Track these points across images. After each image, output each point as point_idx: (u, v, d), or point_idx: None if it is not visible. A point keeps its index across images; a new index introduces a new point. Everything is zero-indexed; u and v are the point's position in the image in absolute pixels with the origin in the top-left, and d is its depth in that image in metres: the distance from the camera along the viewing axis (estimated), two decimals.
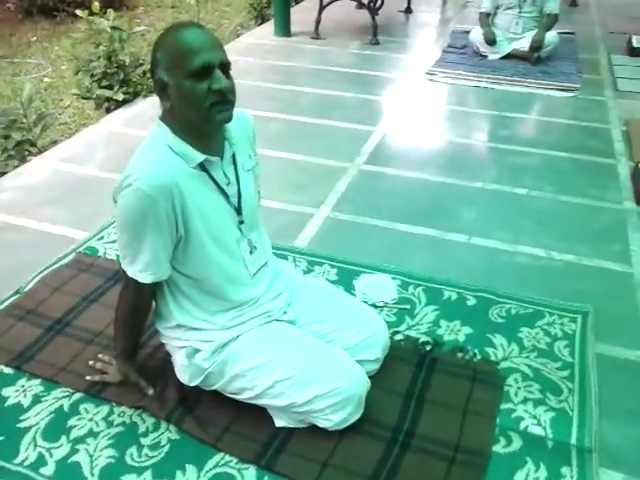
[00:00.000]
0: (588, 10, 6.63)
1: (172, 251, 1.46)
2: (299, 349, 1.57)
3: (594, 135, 3.49)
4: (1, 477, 1.48)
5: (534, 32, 4.65)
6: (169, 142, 1.42)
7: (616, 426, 1.64)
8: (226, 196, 1.51)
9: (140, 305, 1.56)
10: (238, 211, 1.54)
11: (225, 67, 1.38)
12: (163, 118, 1.46)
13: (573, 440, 1.58)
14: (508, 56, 4.73)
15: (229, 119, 1.43)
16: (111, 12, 3.86)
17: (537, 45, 4.59)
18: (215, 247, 1.50)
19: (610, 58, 4.82)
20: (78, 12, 3.87)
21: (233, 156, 1.54)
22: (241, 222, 1.56)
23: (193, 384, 1.63)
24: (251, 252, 1.60)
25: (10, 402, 1.68)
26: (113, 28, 3.78)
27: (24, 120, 3.39)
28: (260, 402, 1.59)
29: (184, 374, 1.63)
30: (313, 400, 1.52)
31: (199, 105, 1.35)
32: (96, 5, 3.86)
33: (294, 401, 1.53)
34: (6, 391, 1.71)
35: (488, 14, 4.84)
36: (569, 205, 2.74)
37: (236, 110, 1.48)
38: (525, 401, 1.70)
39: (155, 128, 1.46)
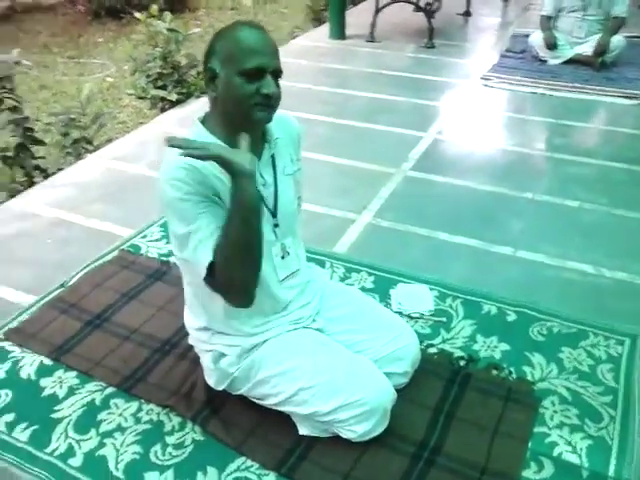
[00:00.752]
0: None
1: None
2: (325, 357, 1.55)
3: None
4: (32, 465, 1.52)
5: (598, 36, 4.46)
6: (201, 140, 1.40)
7: None
8: (261, 197, 1.49)
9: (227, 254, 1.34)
10: (273, 214, 1.53)
11: (277, 74, 1.39)
12: (203, 119, 1.47)
13: (611, 472, 1.49)
14: (570, 61, 4.56)
15: (268, 121, 1.43)
16: (168, 15, 3.96)
17: (601, 50, 4.40)
18: None
19: None
20: (137, 14, 3.98)
21: (272, 158, 1.53)
22: (276, 225, 1.54)
23: (220, 388, 1.64)
24: (283, 257, 1.57)
25: (47, 392, 1.74)
26: (169, 30, 3.87)
27: (81, 119, 3.52)
28: (284, 409, 1.58)
29: (210, 378, 1.65)
30: (337, 410, 1.50)
31: (243, 103, 1.36)
32: (154, 8, 3.97)
33: (317, 410, 1.51)
34: (44, 381, 1.77)
35: (550, 17, 4.67)
36: (623, 219, 2.61)
37: (283, 113, 1.49)
38: (561, 426, 1.62)
39: (191, 128, 1.47)
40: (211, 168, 1.37)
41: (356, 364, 1.56)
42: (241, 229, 1.33)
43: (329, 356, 1.56)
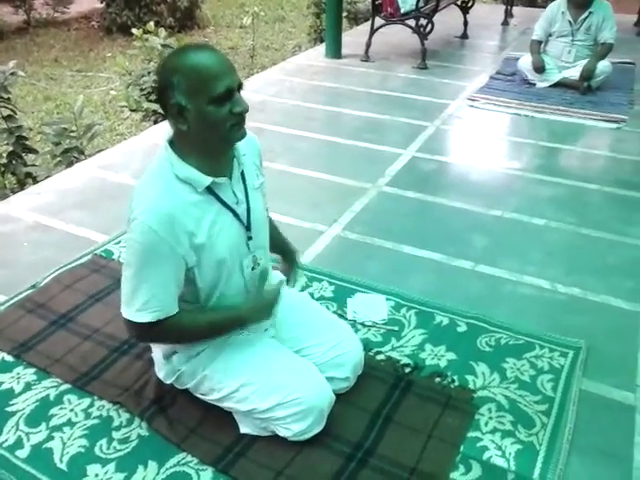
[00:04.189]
0: None
1: (181, 283, 1.49)
2: (267, 357, 1.62)
3: (631, 168, 3.37)
4: None
5: (586, 61, 4.54)
6: (175, 170, 1.44)
7: (586, 465, 1.58)
8: (235, 214, 1.55)
9: (178, 335, 1.56)
10: (247, 227, 1.59)
11: (241, 87, 1.44)
12: (172, 140, 1.49)
13: (535, 475, 1.54)
14: (557, 84, 4.64)
15: (244, 136, 1.48)
16: (162, 31, 4.09)
17: (587, 74, 4.48)
18: (221, 265, 1.53)
19: None
20: (134, 31, 4.12)
21: (242, 174, 1.59)
22: (249, 238, 1.60)
23: (168, 382, 1.71)
24: (253, 268, 1.63)
25: (4, 387, 1.81)
26: (163, 46, 4.00)
27: (73, 129, 3.64)
28: (225, 405, 1.64)
29: (160, 371, 1.72)
30: (274, 408, 1.56)
31: (220, 127, 1.40)
32: (151, 25, 4.12)
33: (256, 407, 1.57)
34: (2, 377, 1.84)
35: (540, 41, 4.77)
36: (588, 238, 2.66)
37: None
38: (494, 431, 1.67)
39: (162, 154, 1.48)
40: (188, 209, 1.44)
41: (297, 366, 1.63)
42: (226, 331, 1.61)
43: (272, 356, 1.63)
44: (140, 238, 1.42)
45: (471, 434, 1.66)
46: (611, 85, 4.61)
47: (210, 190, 1.49)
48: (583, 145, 3.75)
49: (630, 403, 1.79)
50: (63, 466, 1.56)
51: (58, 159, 3.60)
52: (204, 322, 1.57)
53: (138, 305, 1.46)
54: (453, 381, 1.84)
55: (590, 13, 4.53)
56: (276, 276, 1.83)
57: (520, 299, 2.25)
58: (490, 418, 1.71)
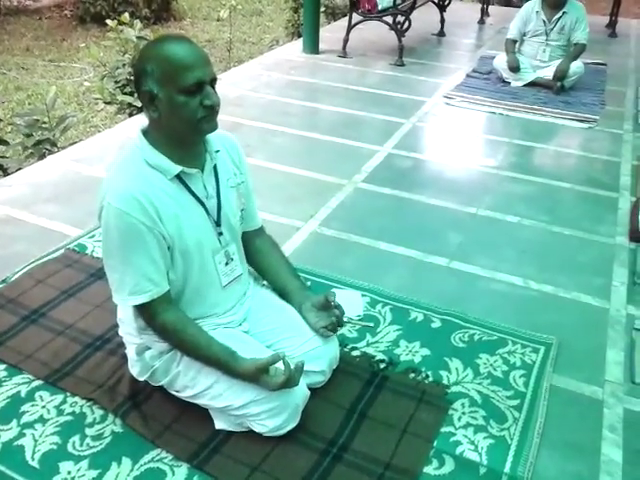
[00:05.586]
0: (627, 42, 6.52)
1: (167, 260, 1.50)
2: (241, 353, 1.61)
3: (602, 168, 3.44)
4: None
5: (560, 61, 4.61)
6: (145, 156, 1.48)
7: (555, 459, 1.62)
8: (205, 208, 1.57)
9: (172, 326, 1.52)
10: (217, 223, 1.60)
11: (214, 82, 1.46)
12: (146, 129, 1.52)
13: (507, 469, 1.57)
14: (532, 84, 4.70)
15: (215, 128, 1.50)
16: (137, 23, 4.04)
17: (561, 74, 4.55)
18: (189, 257, 1.55)
19: (638, 91, 4.73)
20: (108, 22, 4.06)
21: (215, 169, 1.60)
22: (220, 234, 1.62)
23: (141, 379, 1.70)
24: (227, 263, 1.65)
25: None
26: (139, 38, 3.95)
27: (46, 120, 3.57)
28: (200, 402, 1.63)
29: (134, 368, 1.71)
30: (249, 404, 1.56)
31: (190, 119, 1.42)
32: (125, 16, 4.06)
33: (230, 404, 1.57)
34: None
35: (514, 41, 4.83)
36: (559, 236, 2.71)
37: (222, 132, 1.58)
38: (467, 426, 1.69)
39: (134, 141, 1.52)
40: (158, 194, 1.45)
41: None
42: (213, 364, 1.55)
43: (246, 353, 1.62)
44: (115, 222, 1.43)
45: (444, 429, 1.68)
46: (584, 85, 4.68)
47: (181, 180, 1.51)
48: (556, 144, 3.81)
49: (598, 398, 1.83)
50: (35, 463, 1.54)
51: (30, 151, 3.53)
52: (204, 341, 1.54)
53: (129, 289, 1.48)
54: (427, 377, 1.87)
55: (564, 13, 4.60)
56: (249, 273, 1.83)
57: (493, 296, 2.29)
58: (463, 413, 1.74)
